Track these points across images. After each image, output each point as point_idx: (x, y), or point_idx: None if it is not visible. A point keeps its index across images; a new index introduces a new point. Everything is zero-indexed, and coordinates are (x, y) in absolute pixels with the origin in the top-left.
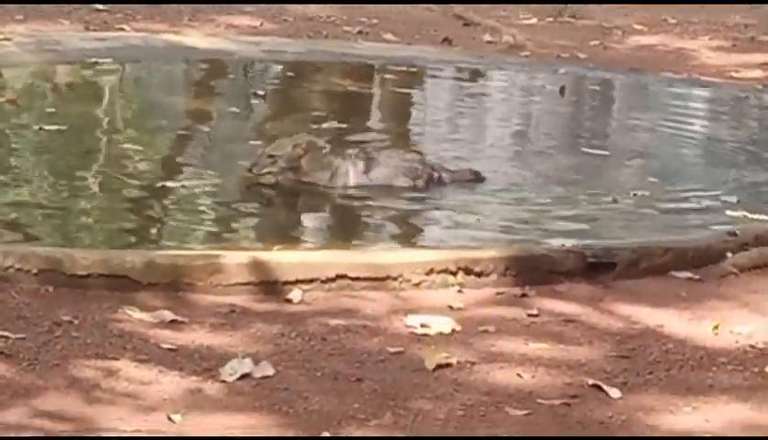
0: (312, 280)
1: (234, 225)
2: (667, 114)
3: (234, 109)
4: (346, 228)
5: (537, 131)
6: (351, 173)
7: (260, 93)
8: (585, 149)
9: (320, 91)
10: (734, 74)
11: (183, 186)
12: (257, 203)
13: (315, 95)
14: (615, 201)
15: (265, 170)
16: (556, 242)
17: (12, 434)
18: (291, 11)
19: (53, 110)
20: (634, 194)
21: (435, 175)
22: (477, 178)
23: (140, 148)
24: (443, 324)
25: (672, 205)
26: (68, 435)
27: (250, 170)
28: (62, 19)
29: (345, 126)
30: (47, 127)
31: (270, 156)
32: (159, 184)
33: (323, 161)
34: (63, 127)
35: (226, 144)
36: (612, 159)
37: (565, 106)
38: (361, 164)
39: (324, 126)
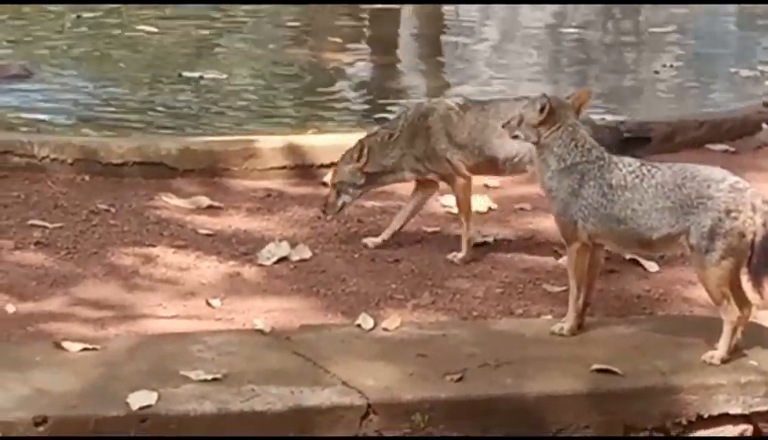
0: None
1: None
2: None
3: None
4: None
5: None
6: None
7: None
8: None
9: None
10: None
11: None
12: None
13: None
14: (656, 73)
15: None
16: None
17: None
18: None
19: None
20: (671, 66)
21: None
22: (26, 73)
23: None
24: (479, 203)
25: (709, 77)
26: None
27: None
28: None
29: None
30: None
31: None
32: None
33: None
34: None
35: None
36: (648, 35)
37: None
38: None
39: None
